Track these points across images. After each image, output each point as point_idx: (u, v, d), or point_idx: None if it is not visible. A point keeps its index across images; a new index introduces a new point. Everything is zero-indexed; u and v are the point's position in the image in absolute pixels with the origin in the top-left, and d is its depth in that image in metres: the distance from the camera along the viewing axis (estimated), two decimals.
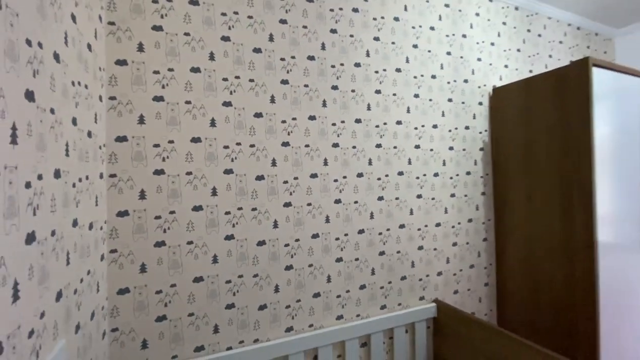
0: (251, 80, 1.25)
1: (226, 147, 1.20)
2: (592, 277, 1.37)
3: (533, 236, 1.59)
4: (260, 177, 1.25)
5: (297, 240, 1.32)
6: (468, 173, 1.74)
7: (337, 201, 1.40)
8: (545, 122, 1.53)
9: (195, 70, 1.17)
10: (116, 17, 1.07)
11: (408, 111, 1.57)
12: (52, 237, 0.65)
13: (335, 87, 1.40)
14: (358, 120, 1.45)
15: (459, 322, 1.44)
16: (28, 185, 0.56)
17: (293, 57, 1.33)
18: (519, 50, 1.96)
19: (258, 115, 1.26)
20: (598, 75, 1.40)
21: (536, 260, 1.58)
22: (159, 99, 1.11)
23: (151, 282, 1.09)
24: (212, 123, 1.18)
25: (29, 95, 0.57)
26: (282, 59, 1.30)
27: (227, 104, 1.21)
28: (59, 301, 0.68)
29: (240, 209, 1.22)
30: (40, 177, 0.60)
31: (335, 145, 1.40)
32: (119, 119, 1.07)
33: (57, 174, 0.68)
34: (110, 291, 1.04)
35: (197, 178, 1.16)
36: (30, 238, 0.56)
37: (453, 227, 1.68)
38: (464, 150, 1.73)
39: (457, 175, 1.71)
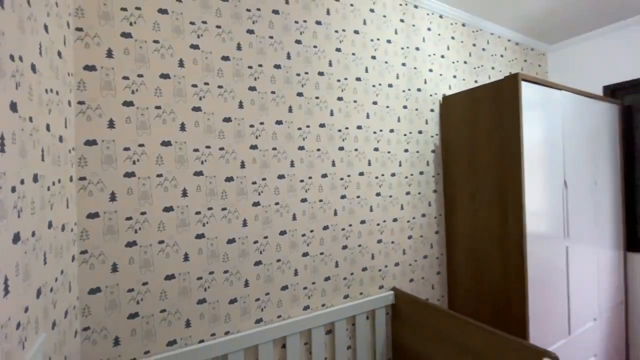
0: (220, 87, 1.32)
1: (196, 150, 1.26)
2: (523, 262, 1.59)
3: (476, 229, 1.81)
4: (229, 179, 1.33)
5: (265, 237, 1.40)
6: (421, 173, 1.93)
7: (303, 200, 1.51)
8: (486, 128, 1.74)
9: (165, 76, 1.21)
10: (84, 23, 1.09)
11: (368, 117, 1.72)
12: (33, 238, 0.69)
13: (300, 94, 1.51)
14: (322, 125, 1.57)
15: (414, 308, 1.61)
16: (13, 189, 0.61)
17: (260, 66, 1.41)
18: (465, 62, 2.18)
19: (227, 120, 1.33)
20: (526, 89, 1.63)
21: (479, 251, 1.79)
22: (128, 103, 1.15)
23: (123, 281, 1.13)
24: (182, 127, 1.24)
25: (13, 107, 0.61)
26: (250, 67, 1.39)
27: (196, 109, 1.27)
28: (39, 298, 0.72)
29: (210, 209, 1.28)
30: (22, 182, 0.65)
31: (301, 148, 1.50)
32: (88, 123, 1.09)
33: (35, 179, 0.72)
34: (81, 291, 1.07)
35: (168, 180, 1.21)
36: (16, 238, 0.61)
37: (408, 221, 1.85)
38: (417, 152, 1.91)
39: (412, 175, 1.88)
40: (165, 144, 1.21)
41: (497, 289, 1.71)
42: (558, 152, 1.78)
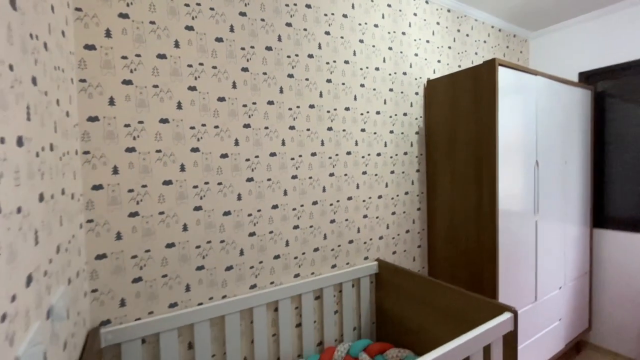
0: (214, 67, 1.38)
1: (192, 127, 1.34)
2: (495, 236, 1.74)
3: (455, 206, 1.95)
4: (224, 155, 1.41)
5: (259, 210, 1.51)
6: (405, 153, 2.04)
7: (294, 177, 1.61)
8: (465, 111, 1.85)
9: (162, 56, 1.27)
10: (83, 3, 1.14)
11: (355, 99, 1.81)
12: (52, 200, 0.78)
13: (290, 76, 1.58)
14: (312, 106, 1.65)
15: (396, 275, 1.76)
16: (37, 154, 0.69)
17: (252, 47, 1.47)
18: (450, 47, 2.27)
19: (221, 99, 1.40)
20: (503, 73, 1.74)
21: (456, 226, 1.94)
22: (128, 82, 1.21)
23: (127, 248, 1.22)
24: (179, 106, 1.31)
25: (34, 81, 0.69)
26: (242, 49, 1.45)
27: (192, 88, 1.34)
28: (58, 254, 0.81)
29: (207, 183, 1.37)
30: (43, 149, 0.73)
31: (292, 127, 1.59)
32: (90, 100, 1.16)
33: (51, 148, 0.80)
34: (89, 256, 1.16)
35: (167, 155, 1.29)
36: (41, 197, 0.70)
37: (392, 198, 1.98)
38: (402, 133, 2.02)
39: (397, 155, 2.00)
40: (163, 121, 1.28)
41: (472, 261, 1.86)
42: (531, 133, 1.91)
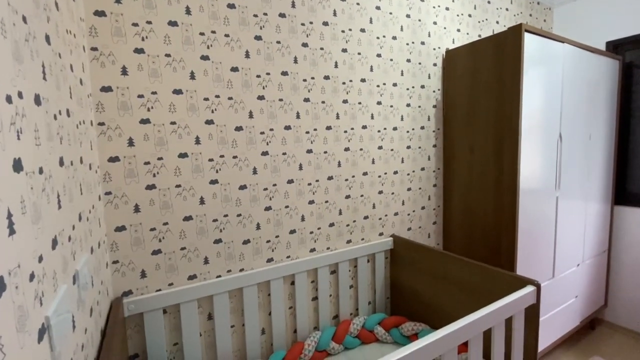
0: (227, 35, 1.33)
1: (206, 99, 1.30)
2: (515, 212, 1.69)
3: (472, 182, 1.90)
4: (239, 128, 1.38)
5: (274, 185, 1.49)
6: (422, 128, 1.98)
7: (309, 151, 1.58)
8: (486, 81, 1.77)
9: (173, 24, 1.23)
10: None
11: (371, 70, 1.74)
12: (71, 167, 0.77)
13: (305, 45, 1.52)
14: (326, 77, 1.59)
15: (411, 251, 1.74)
16: (55, 117, 0.67)
17: (265, 14, 1.41)
18: (470, 15, 2.15)
19: (234, 69, 1.36)
20: (529, 41, 1.64)
21: (474, 202, 1.90)
22: (139, 50, 1.17)
23: (145, 220, 1.22)
24: (192, 76, 1.27)
25: (47, 39, 0.65)
26: (255, 15, 1.39)
27: (204, 57, 1.29)
28: (80, 221, 0.81)
29: (222, 156, 1.35)
30: (60, 112, 0.71)
31: (306, 100, 1.54)
32: (102, 69, 1.13)
33: (68, 113, 0.78)
34: (108, 228, 1.17)
35: (181, 128, 1.26)
36: (61, 162, 0.68)
37: (408, 174, 1.94)
38: (419, 107, 1.95)
39: (413, 129, 1.94)
40: (177, 92, 1.25)
41: (489, 238, 1.83)
42: (556, 106, 1.83)
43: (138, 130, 1.19)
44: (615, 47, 2.41)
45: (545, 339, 1.96)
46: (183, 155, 1.27)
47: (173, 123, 1.25)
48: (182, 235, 1.29)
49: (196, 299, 1.31)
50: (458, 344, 0.97)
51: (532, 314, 1.20)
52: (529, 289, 1.17)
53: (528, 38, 1.63)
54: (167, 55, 1.22)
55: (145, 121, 1.20)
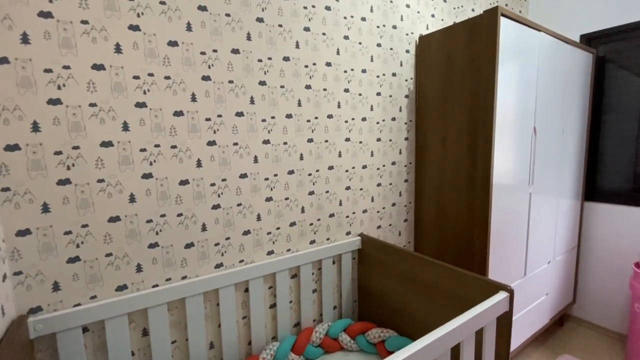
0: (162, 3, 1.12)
1: (136, 77, 1.10)
2: (487, 210, 1.59)
3: (445, 177, 1.79)
4: (178, 113, 1.18)
5: (223, 180, 1.30)
6: (393, 119, 1.84)
7: (266, 142, 1.40)
8: (461, 69, 1.65)
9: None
10: None
11: (337, 53, 1.57)
12: None
13: (260, 20, 1.33)
14: (286, 59, 1.41)
15: (380, 251, 1.61)
16: None
17: None
18: (445, 0, 2.03)
19: (173, 44, 1.15)
20: (505, 25, 1.53)
21: (447, 199, 1.79)
22: (45, 14, 0.95)
23: (57, 222, 1.01)
24: (117, 49, 1.06)
25: None
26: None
27: (134, 27, 1.08)
28: None
29: (157, 146, 1.15)
30: None
31: (262, 83, 1.36)
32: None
33: None
34: (7, 233, 0.95)
35: (104, 111, 1.05)
36: None
37: (378, 169, 1.80)
38: (390, 96, 1.81)
39: (384, 120, 1.80)
40: (98, 67, 1.03)
41: (461, 235, 1.73)
42: (531, 97, 1.74)
43: (45, 112, 0.97)
44: (588, 41, 2.37)
45: (516, 340, 1.90)
46: (107, 144, 1.06)
47: (93, 105, 1.03)
48: (107, 239, 1.09)
49: (126, 313, 1.12)
50: None
51: (505, 323, 1.09)
52: (502, 295, 1.06)
53: (504, 22, 1.52)
54: (84, 22, 1.00)
55: (54, 101, 0.98)
